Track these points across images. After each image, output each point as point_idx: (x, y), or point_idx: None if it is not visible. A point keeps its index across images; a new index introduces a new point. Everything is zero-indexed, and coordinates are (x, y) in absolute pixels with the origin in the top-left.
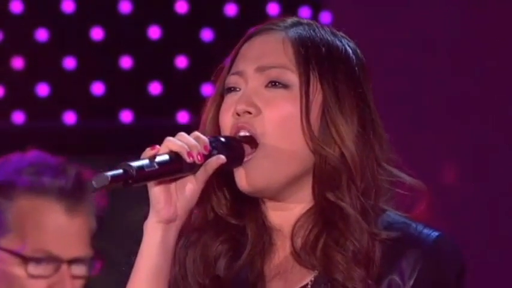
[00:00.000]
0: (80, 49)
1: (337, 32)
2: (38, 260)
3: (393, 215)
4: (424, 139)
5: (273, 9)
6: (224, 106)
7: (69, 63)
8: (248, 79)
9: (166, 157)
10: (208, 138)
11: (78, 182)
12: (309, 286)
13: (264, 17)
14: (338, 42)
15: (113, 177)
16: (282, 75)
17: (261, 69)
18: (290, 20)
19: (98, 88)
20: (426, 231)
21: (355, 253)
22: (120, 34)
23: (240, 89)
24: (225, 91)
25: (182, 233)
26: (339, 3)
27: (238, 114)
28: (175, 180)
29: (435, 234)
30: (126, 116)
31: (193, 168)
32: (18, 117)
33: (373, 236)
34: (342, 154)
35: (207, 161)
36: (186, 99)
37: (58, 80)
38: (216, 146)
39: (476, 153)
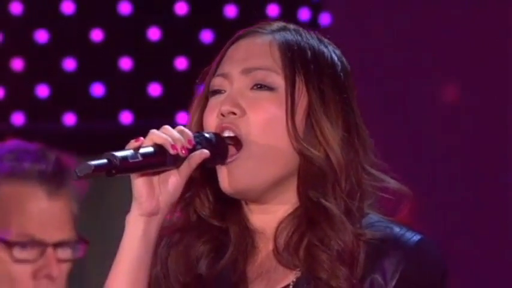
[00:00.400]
0: (80, 50)
1: (324, 39)
2: (22, 245)
3: (376, 217)
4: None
5: (272, 10)
6: (209, 108)
7: (69, 64)
8: (233, 81)
9: (150, 149)
10: (193, 133)
11: (59, 166)
12: (291, 286)
13: (264, 19)
14: (324, 49)
15: (97, 166)
16: (267, 77)
17: (246, 71)
18: (277, 25)
19: (98, 89)
20: (409, 234)
21: (339, 252)
22: (120, 35)
23: (225, 91)
24: (209, 93)
25: (165, 233)
26: (339, 4)
27: (222, 115)
28: (158, 173)
29: (418, 237)
30: (126, 118)
31: (176, 161)
32: (18, 118)
33: (358, 236)
34: (327, 156)
35: (190, 155)
36: (185, 100)
37: (57, 82)
38: (200, 141)
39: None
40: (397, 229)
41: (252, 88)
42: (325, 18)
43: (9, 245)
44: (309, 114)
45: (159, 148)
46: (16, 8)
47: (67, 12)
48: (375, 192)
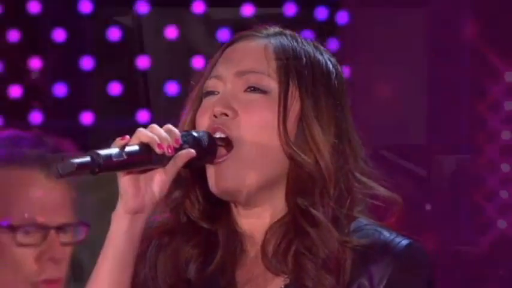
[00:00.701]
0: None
1: (320, 46)
2: (25, 229)
3: (366, 221)
4: None
5: (290, 9)
6: (201, 108)
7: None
8: (227, 82)
9: (136, 147)
10: (181, 132)
11: (57, 150)
12: None
13: (280, 17)
14: (319, 56)
15: (79, 164)
16: (261, 80)
17: (240, 74)
18: (273, 30)
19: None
20: (398, 238)
21: (325, 260)
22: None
23: (218, 93)
24: (203, 94)
25: (154, 235)
26: (356, 2)
27: (215, 116)
28: (144, 171)
29: (406, 241)
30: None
31: (162, 160)
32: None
33: (344, 244)
34: (317, 162)
35: (176, 154)
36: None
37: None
38: (187, 140)
39: None
40: (386, 233)
41: (245, 90)
42: (342, 17)
43: (12, 229)
44: (301, 119)
45: (145, 147)
46: (34, 7)
47: (85, 11)
48: (365, 199)
